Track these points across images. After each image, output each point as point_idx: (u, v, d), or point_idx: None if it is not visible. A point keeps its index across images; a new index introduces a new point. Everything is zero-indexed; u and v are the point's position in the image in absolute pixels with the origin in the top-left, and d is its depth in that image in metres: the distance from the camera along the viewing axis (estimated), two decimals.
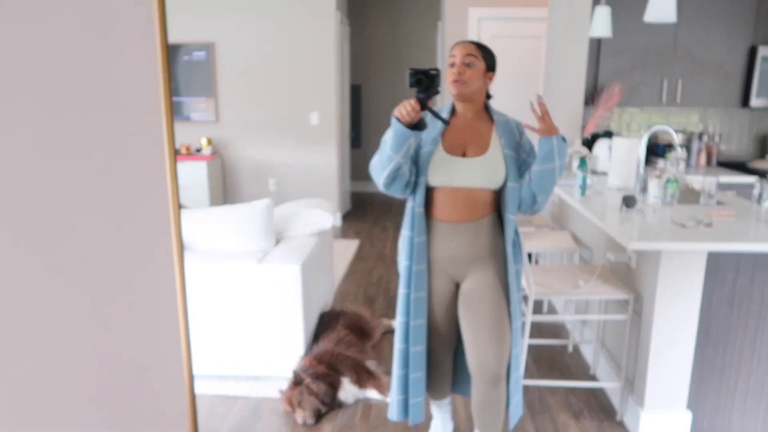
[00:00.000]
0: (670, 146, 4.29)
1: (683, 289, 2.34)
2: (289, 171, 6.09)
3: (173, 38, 5.80)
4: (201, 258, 2.83)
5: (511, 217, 1.98)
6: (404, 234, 2.03)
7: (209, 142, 5.87)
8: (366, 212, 6.77)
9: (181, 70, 5.89)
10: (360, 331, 3.20)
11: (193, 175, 5.68)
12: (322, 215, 3.24)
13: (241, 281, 2.79)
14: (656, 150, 4.35)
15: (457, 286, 2.08)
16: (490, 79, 1.97)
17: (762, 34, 3.98)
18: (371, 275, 4.46)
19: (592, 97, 4.09)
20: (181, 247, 1.00)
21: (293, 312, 2.81)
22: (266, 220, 2.98)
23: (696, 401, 2.45)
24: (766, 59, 3.97)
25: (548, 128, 1.88)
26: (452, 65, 1.91)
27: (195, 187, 5.69)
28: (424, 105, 1.74)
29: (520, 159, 1.99)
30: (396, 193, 1.94)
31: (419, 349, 2.05)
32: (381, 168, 1.88)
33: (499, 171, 1.93)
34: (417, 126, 1.79)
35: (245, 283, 2.79)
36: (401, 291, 2.04)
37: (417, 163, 1.94)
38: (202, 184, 5.68)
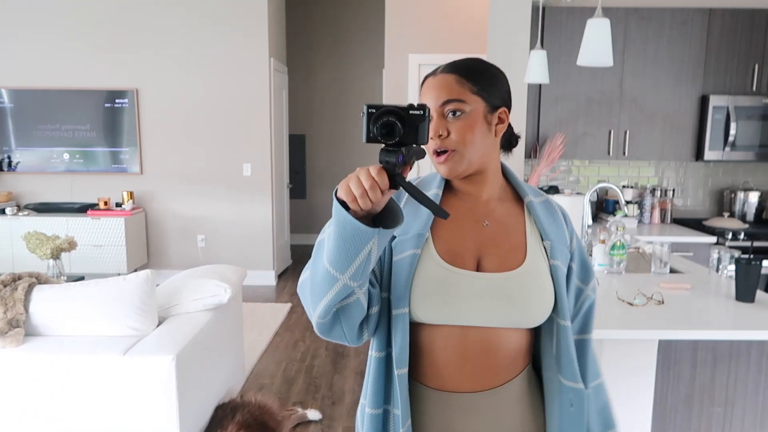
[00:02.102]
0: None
1: (632, 385, 1.91)
2: (220, 226, 5.59)
3: (93, 84, 5.36)
4: (54, 348, 2.29)
5: (568, 383, 1.07)
6: (368, 410, 1.08)
7: (131, 195, 5.35)
8: None
9: (102, 118, 5.42)
10: (261, 428, 2.66)
11: (110, 232, 5.12)
12: (217, 287, 2.75)
13: (102, 376, 2.25)
14: (606, 207, 4.01)
15: None
16: (503, 120, 1.09)
17: (712, 83, 3.73)
18: (296, 349, 3.93)
19: (534, 149, 3.74)
20: None
21: (166, 414, 2.28)
22: (143, 296, 2.47)
23: None
24: (718, 109, 3.71)
25: None
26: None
27: (111, 246, 5.13)
28: (396, 178, 0.86)
29: (572, 279, 1.12)
30: (341, 339, 1.03)
31: None
32: (313, 295, 0.97)
33: (546, 298, 1.05)
34: (384, 217, 0.91)
35: (107, 379, 2.26)
36: None
37: (386, 282, 1.05)
38: (119, 242, 5.13)
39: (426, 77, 1.09)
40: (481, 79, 1.06)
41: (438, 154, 1.06)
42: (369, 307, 1.02)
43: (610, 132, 3.74)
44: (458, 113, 1.03)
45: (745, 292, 2.10)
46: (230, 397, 2.90)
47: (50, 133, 5.48)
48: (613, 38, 3.60)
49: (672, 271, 2.64)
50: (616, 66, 3.66)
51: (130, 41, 5.31)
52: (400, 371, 1.03)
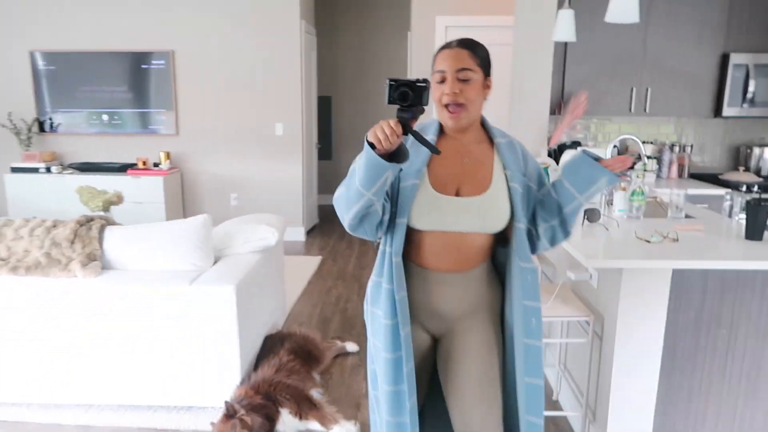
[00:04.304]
0: (640, 157, 4.12)
1: (647, 310, 2.14)
2: (252, 185, 5.85)
3: (131, 45, 5.58)
4: (128, 279, 2.58)
5: (525, 265, 1.54)
6: (380, 284, 1.59)
7: (168, 156, 5.62)
8: (333, 226, 6.54)
9: (139, 80, 5.65)
10: (307, 355, 2.95)
11: (149, 190, 5.41)
12: (266, 231, 3.01)
13: (171, 304, 2.54)
14: None
15: (434, 338, 1.69)
16: (489, 87, 1.55)
17: (734, 41, 3.85)
18: (329, 294, 4.21)
19: (558, 105, 3.92)
20: None
21: (228, 337, 2.56)
22: (202, 237, 2.74)
23: (662, 431, 2.24)
24: (738, 67, 3.83)
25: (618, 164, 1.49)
26: (441, 81, 1.50)
27: (151, 204, 5.42)
28: (407, 127, 1.29)
29: (530, 194, 1.59)
30: (364, 235, 1.52)
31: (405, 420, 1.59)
32: (347, 205, 1.45)
33: (502, 213, 1.53)
34: (396, 155, 1.33)
35: (175, 306, 2.54)
36: (384, 355, 1.57)
37: (394, 199, 1.53)
38: (159, 199, 5.41)
39: (442, 48, 1.52)
40: (482, 54, 1.51)
41: (450, 111, 1.49)
42: (383, 214, 1.49)
43: (632, 89, 3.89)
44: (468, 80, 1.47)
45: (754, 231, 2.30)
46: (276, 330, 3.19)
47: (89, 95, 5.73)
48: None
49: (687, 217, 2.84)
50: (640, 24, 3.79)
51: (165, 3, 5.50)
52: (396, 259, 1.53)
